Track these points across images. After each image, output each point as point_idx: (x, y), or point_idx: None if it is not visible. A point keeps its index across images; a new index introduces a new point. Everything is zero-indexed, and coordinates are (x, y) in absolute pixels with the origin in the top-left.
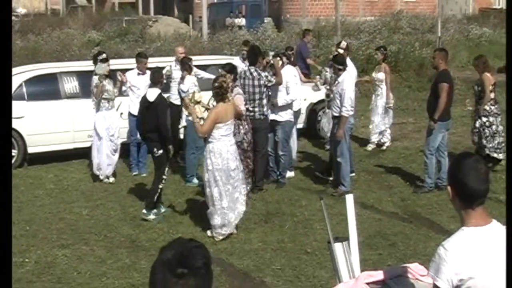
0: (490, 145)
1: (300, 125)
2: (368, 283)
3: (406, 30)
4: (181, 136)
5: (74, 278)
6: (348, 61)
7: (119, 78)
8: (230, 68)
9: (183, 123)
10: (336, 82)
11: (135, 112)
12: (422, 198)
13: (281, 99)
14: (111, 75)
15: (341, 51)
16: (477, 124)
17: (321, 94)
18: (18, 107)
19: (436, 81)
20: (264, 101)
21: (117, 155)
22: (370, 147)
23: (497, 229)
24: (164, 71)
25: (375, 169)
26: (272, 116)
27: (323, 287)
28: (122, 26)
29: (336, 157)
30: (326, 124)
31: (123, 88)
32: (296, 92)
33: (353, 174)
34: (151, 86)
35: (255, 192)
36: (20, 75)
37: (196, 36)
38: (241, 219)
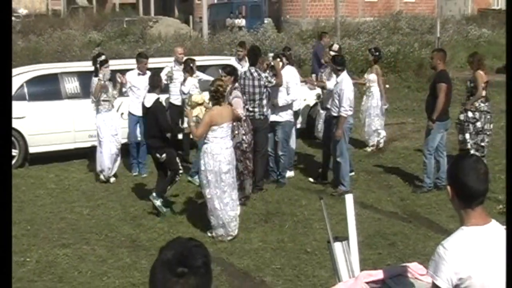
0: (473, 141)
1: (299, 125)
2: (367, 282)
3: (405, 31)
4: (180, 137)
5: (75, 277)
6: None
7: (119, 79)
8: (231, 70)
9: (185, 124)
10: (335, 82)
11: (135, 112)
12: (421, 198)
13: (282, 99)
14: (111, 76)
15: (333, 53)
16: (462, 117)
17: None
18: (19, 107)
19: (435, 81)
20: (264, 102)
21: (119, 155)
22: (369, 148)
23: (496, 228)
24: (165, 72)
25: (374, 169)
26: (272, 117)
27: (323, 286)
28: (122, 27)
29: (335, 157)
30: (319, 125)
31: (123, 89)
32: (296, 92)
33: (353, 173)
34: (149, 90)
35: (255, 192)
36: (21, 75)
37: (197, 37)
38: (241, 219)
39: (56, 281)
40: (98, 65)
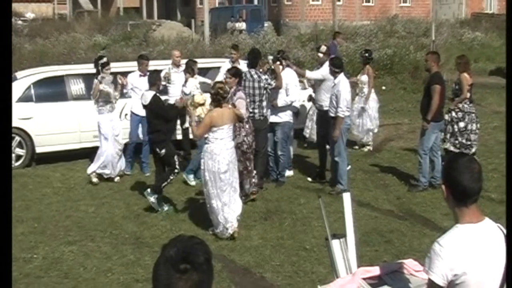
0: (456, 141)
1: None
2: (364, 279)
3: (401, 34)
4: (179, 137)
5: (81, 273)
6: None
7: (120, 81)
8: (235, 72)
9: (187, 124)
10: (332, 83)
11: (138, 111)
12: (417, 197)
13: (281, 100)
14: (112, 78)
15: (320, 55)
16: (447, 117)
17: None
18: (26, 108)
19: (429, 83)
20: (264, 103)
21: (121, 156)
22: (366, 148)
23: (490, 226)
24: (162, 74)
25: (371, 168)
26: (271, 117)
27: (321, 282)
28: (126, 30)
29: (333, 156)
30: (309, 126)
31: (124, 90)
32: (296, 93)
33: (349, 167)
34: (148, 88)
35: (254, 192)
36: (28, 77)
37: (198, 40)
38: (241, 217)
39: (62, 277)
40: (99, 67)
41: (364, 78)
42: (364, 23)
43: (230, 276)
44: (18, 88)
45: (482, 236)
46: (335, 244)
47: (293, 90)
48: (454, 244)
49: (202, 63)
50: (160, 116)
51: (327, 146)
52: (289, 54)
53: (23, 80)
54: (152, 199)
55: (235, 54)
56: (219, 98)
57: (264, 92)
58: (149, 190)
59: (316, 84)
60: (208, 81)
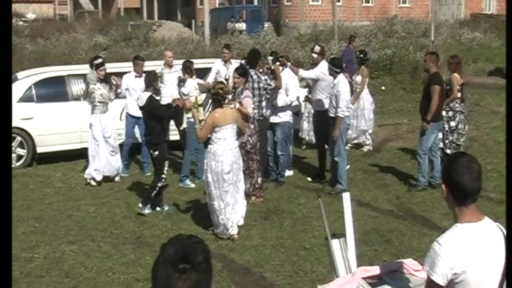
0: (447, 140)
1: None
2: (364, 278)
3: (400, 35)
4: (176, 137)
5: (81, 273)
6: (324, 63)
7: (114, 82)
8: (243, 72)
9: (184, 125)
10: (327, 83)
11: (133, 113)
12: (416, 196)
13: (281, 100)
14: (107, 79)
15: (315, 55)
16: None
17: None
18: (27, 109)
19: (428, 83)
20: (264, 103)
21: (118, 155)
22: (366, 148)
23: (489, 225)
24: None
25: (371, 168)
26: (271, 118)
27: (321, 282)
28: (127, 31)
29: (333, 156)
30: (305, 126)
31: (118, 91)
32: (295, 93)
33: (348, 167)
34: (144, 89)
35: (255, 193)
36: (29, 77)
37: (198, 40)
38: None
39: (63, 277)
40: (94, 68)
41: (358, 78)
42: (364, 24)
43: (230, 275)
44: (19, 88)
45: (482, 235)
46: (335, 243)
47: (293, 90)
48: (453, 243)
49: (202, 63)
50: (156, 117)
51: (326, 146)
52: (288, 55)
53: (24, 81)
54: (146, 211)
55: (227, 54)
56: (219, 98)
57: (264, 92)
58: (140, 204)
59: (312, 84)
60: (200, 81)
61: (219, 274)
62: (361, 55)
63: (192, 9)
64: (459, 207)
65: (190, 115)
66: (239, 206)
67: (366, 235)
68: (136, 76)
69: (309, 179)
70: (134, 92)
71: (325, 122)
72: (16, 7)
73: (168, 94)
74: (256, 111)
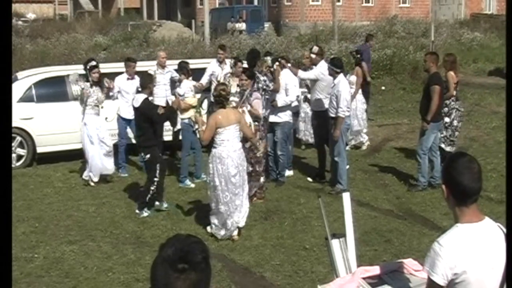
0: (442, 135)
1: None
2: (364, 278)
3: (400, 34)
4: (170, 138)
5: (81, 273)
6: (323, 63)
7: (106, 84)
8: (250, 74)
9: (178, 126)
10: (326, 83)
11: (125, 115)
12: (416, 196)
13: (281, 100)
14: (101, 81)
15: (313, 56)
16: None
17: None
18: (27, 109)
19: (428, 84)
20: (263, 104)
21: (112, 156)
22: (365, 146)
23: (490, 225)
24: None
25: (371, 168)
26: (271, 117)
27: (321, 282)
28: (127, 31)
29: (333, 156)
30: (301, 127)
31: (110, 93)
32: (295, 94)
33: (348, 167)
34: (139, 91)
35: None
36: (29, 77)
37: (199, 40)
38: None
39: (63, 277)
40: (88, 70)
41: (352, 78)
42: (364, 24)
43: (230, 275)
44: (19, 88)
45: (482, 235)
46: (335, 243)
47: (292, 90)
48: (454, 243)
49: (202, 63)
50: (149, 120)
51: (326, 146)
52: (288, 55)
53: (24, 81)
54: (144, 214)
55: (222, 54)
56: (222, 99)
57: (263, 93)
58: (137, 210)
59: (311, 85)
60: (194, 83)
61: (219, 274)
62: (358, 56)
63: (192, 9)
64: (460, 207)
65: (184, 115)
66: (244, 208)
67: (366, 235)
68: (128, 78)
69: (309, 179)
70: (126, 94)
71: (324, 122)
72: (16, 7)
73: (161, 94)
74: None
